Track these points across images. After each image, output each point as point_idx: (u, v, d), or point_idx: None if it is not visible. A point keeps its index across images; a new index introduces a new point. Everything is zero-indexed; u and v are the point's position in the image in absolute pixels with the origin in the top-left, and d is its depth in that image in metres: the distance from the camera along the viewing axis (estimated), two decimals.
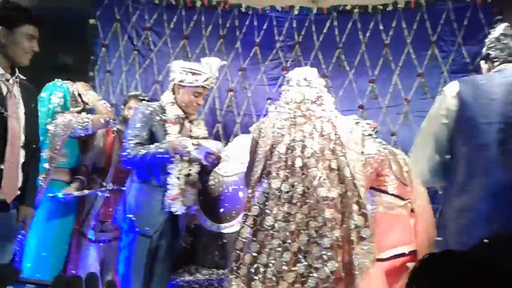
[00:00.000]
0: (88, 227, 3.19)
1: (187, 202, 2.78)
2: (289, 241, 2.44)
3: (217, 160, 2.83)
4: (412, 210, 3.22)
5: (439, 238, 2.98)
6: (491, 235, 0.78)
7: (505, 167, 1.85)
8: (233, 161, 3.66)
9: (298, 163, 2.50)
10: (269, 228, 2.48)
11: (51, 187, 3.05)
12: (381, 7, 4.34)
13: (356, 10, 4.37)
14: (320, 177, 2.46)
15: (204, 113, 4.36)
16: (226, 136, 4.35)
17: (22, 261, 2.98)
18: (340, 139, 2.57)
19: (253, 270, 2.47)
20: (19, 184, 2.23)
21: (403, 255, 3.05)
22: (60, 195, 3.00)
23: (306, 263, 2.40)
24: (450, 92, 2.00)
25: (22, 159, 2.22)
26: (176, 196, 2.69)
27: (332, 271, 2.36)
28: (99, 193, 3.12)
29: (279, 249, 2.44)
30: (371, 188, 3.17)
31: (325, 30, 4.41)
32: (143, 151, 2.66)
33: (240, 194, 3.49)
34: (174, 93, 2.84)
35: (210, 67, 2.82)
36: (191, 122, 2.91)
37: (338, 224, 2.46)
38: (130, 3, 4.56)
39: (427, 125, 2.08)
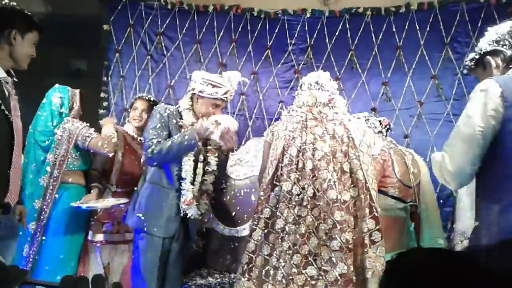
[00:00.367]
0: (89, 228, 3.22)
1: (202, 208, 2.80)
2: (299, 243, 2.43)
3: (233, 139, 2.82)
4: (414, 213, 3.19)
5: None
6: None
7: None
8: (245, 164, 3.67)
9: (309, 165, 2.49)
10: (279, 230, 2.47)
11: (66, 190, 3.09)
12: (393, 9, 4.32)
13: (368, 12, 4.35)
14: (330, 179, 2.45)
15: None
16: (238, 139, 4.32)
17: (39, 263, 3.01)
18: (354, 142, 2.55)
19: (264, 273, 2.47)
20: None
21: None
22: (84, 206, 3.02)
23: (316, 265, 2.39)
24: (494, 92, 1.81)
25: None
26: (191, 201, 2.71)
27: (341, 274, 2.34)
28: (122, 206, 3.10)
29: (289, 251, 2.43)
30: None
31: (337, 33, 4.39)
32: (168, 143, 2.67)
33: (252, 197, 3.48)
34: (191, 101, 2.86)
35: (230, 81, 2.83)
36: None
37: (350, 227, 2.44)
38: (143, 8, 4.60)
39: (467, 125, 1.85)
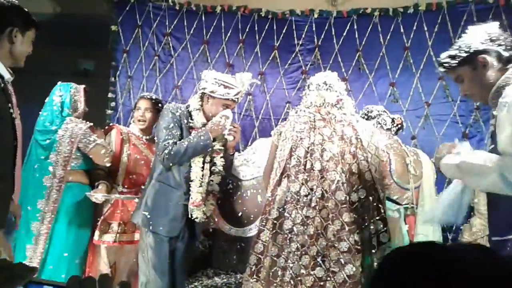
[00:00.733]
0: (95, 228, 3.22)
1: (208, 210, 2.81)
2: (308, 244, 2.42)
3: (237, 132, 2.86)
4: (409, 215, 3.16)
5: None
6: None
7: None
8: (251, 165, 3.66)
9: (317, 166, 2.49)
10: (287, 231, 2.47)
11: (67, 189, 3.09)
12: (401, 9, 4.30)
13: (376, 13, 4.33)
14: (338, 180, 2.44)
15: None
16: (244, 140, 4.35)
17: (44, 263, 3.01)
18: (362, 143, 2.54)
19: (271, 274, 2.47)
20: None
21: None
22: (99, 196, 3.04)
23: (324, 267, 2.39)
24: None
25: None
26: (199, 203, 2.72)
27: (350, 275, 2.34)
28: (137, 200, 3.06)
29: (298, 252, 2.42)
30: None
31: (345, 33, 4.38)
32: (185, 144, 2.68)
33: (259, 198, 3.48)
34: (201, 101, 2.86)
35: (242, 82, 2.82)
36: None
37: (358, 228, 2.44)
38: (151, 9, 4.62)
39: None
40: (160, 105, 3.39)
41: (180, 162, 2.72)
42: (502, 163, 1.67)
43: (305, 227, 2.44)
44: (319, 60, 4.39)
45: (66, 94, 3.21)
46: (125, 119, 4.34)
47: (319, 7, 4.47)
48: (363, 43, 4.33)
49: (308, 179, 2.49)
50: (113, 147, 3.30)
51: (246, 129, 4.42)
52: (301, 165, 2.52)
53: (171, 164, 2.72)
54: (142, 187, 2.95)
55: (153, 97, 3.47)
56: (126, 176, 3.27)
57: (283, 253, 2.46)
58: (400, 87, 4.22)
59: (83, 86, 3.31)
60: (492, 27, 1.91)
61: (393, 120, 3.34)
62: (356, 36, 4.35)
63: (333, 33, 4.39)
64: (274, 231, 2.52)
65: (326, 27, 4.41)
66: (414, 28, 4.24)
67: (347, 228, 2.39)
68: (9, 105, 2.12)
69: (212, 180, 2.84)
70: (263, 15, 4.50)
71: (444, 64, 1.94)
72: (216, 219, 3.52)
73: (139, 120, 3.38)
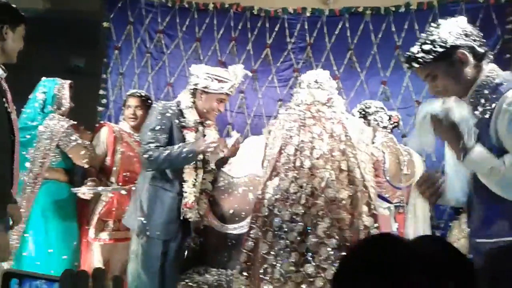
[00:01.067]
0: (90, 225, 3.20)
1: (202, 210, 2.79)
2: (297, 242, 2.44)
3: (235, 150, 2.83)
4: (399, 214, 3.19)
5: None
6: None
7: None
8: (243, 162, 3.67)
9: (307, 164, 2.51)
10: (277, 229, 2.49)
11: (43, 186, 3.02)
12: (393, 8, 4.32)
13: (368, 12, 4.35)
14: (328, 178, 2.46)
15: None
16: None
17: (30, 259, 2.97)
18: (351, 141, 2.56)
19: (262, 271, 2.49)
20: None
21: None
22: (85, 190, 3.01)
23: (314, 263, 2.40)
24: None
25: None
26: (192, 204, 2.68)
27: None
28: (124, 192, 3.07)
29: (287, 249, 2.44)
30: None
31: (336, 32, 4.39)
32: (166, 153, 2.59)
33: (250, 195, 3.48)
34: (193, 97, 2.78)
35: (236, 74, 2.78)
36: (204, 126, 2.87)
37: (348, 225, 2.46)
38: (143, 6, 4.60)
39: None
40: (150, 101, 3.38)
41: (160, 168, 2.66)
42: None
43: (294, 224, 2.46)
44: (311, 58, 4.40)
45: (49, 90, 3.14)
46: (116, 116, 4.32)
47: (312, 6, 4.48)
48: (355, 41, 4.35)
49: (297, 176, 2.51)
50: (105, 145, 3.29)
51: (238, 127, 4.42)
52: (291, 162, 2.54)
53: (150, 169, 2.66)
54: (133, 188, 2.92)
55: (142, 94, 3.45)
56: (120, 174, 3.26)
57: (273, 250, 2.48)
58: (391, 85, 4.24)
59: (69, 81, 3.23)
60: (463, 22, 1.82)
61: (390, 118, 3.36)
62: (348, 34, 4.36)
63: (325, 31, 4.40)
64: (264, 228, 2.54)
65: (318, 26, 4.42)
66: (406, 27, 4.26)
67: (336, 225, 2.41)
68: (4, 99, 2.11)
69: (205, 179, 2.83)
70: (255, 13, 4.50)
71: (419, 60, 1.77)
72: (207, 217, 3.53)
73: (130, 118, 3.37)
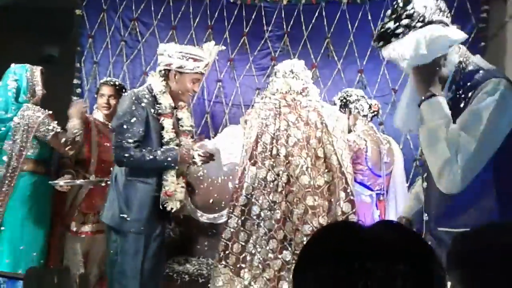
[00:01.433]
0: (71, 218, 3.14)
1: (180, 197, 2.70)
2: (275, 229, 2.46)
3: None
4: (380, 201, 3.25)
5: None
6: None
7: None
8: (222, 151, 3.66)
9: (283, 152, 2.53)
10: (255, 217, 2.52)
11: (20, 178, 2.95)
12: None
13: (344, 0, 4.36)
14: (303, 165, 2.49)
15: (193, 104, 4.34)
16: (214, 126, 4.35)
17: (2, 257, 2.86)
18: (327, 128, 2.59)
19: (241, 259, 2.51)
20: None
21: None
22: (62, 183, 2.92)
23: (291, 250, 2.43)
24: None
25: None
26: (172, 192, 2.60)
27: None
28: (103, 184, 2.98)
29: (265, 237, 2.47)
30: None
31: (313, 20, 4.39)
32: (150, 157, 2.50)
33: (230, 184, 3.48)
34: (166, 79, 2.65)
35: (210, 52, 2.68)
36: (176, 108, 2.76)
37: (324, 211, 2.49)
38: None
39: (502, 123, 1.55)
40: (124, 90, 3.32)
41: (136, 167, 2.56)
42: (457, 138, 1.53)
43: (272, 212, 2.48)
44: (288, 46, 4.39)
45: (21, 78, 3.03)
46: (91, 106, 4.24)
47: None
48: (332, 30, 4.35)
49: (274, 164, 2.53)
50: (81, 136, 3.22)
51: (216, 116, 4.40)
52: (267, 151, 2.55)
53: (122, 166, 2.56)
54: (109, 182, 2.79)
55: (117, 83, 3.39)
56: (98, 165, 3.20)
57: (252, 238, 2.50)
58: (368, 74, 4.27)
59: (40, 67, 3.14)
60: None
61: (370, 106, 3.39)
62: (325, 23, 4.37)
63: (302, 20, 4.39)
64: (242, 217, 2.56)
65: (295, 14, 4.41)
66: (381, 15, 4.28)
67: (310, 212, 2.44)
68: None
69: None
70: (231, 1, 4.46)
71: (398, 35, 1.62)
72: (187, 205, 3.52)
73: (103, 107, 3.30)
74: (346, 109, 3.29)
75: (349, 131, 3.26)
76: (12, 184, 2.91)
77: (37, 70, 3.12)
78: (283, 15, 4.42)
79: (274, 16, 4.42)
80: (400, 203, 3.22)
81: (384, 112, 4.19)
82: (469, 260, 1.00)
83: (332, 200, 2.55)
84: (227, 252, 2.57)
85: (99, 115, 3.36)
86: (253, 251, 2.50)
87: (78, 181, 3.03)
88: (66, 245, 3.15)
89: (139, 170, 2.59)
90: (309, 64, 4.17)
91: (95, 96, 3.54)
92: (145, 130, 2.57)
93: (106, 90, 3.30)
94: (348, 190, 2.55)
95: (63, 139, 2.99)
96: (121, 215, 2.56)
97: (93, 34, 4.48)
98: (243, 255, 2.53)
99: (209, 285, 2.74)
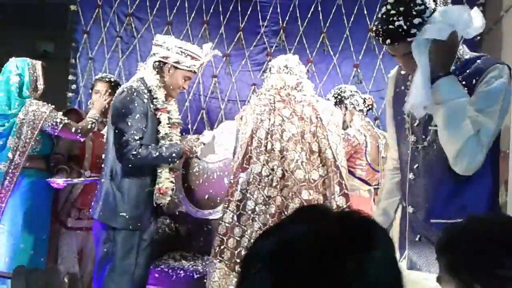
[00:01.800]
0: (66, 214, 3.14)
1: (171, 192, 2.66)
2: (269, 223, 2.47)
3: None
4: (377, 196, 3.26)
5: None
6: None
7: None
8: (217, 147, 3.65)
9: (277, 146, 2.54)
10: (250, 212, 2.52)
11: (26, 176, 2.93)
12: None
13: None
14: (297, 159, 2.50)
15: (188, 99, 4.33)
16: (210, 122, 4.34)
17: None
18: (322, 122, 2.60)
19: (236, 254, 2.51)
20: None
21: None
22: (59, 181, 2.91)
23: None
24: None
25: None
26: (166, 189, 2.59)
27: None
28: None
29: (260, 232, 2.46)
30: None
31: (309, 15, 4.37)
32: (156, 154, 2.48)
33: (225, 180, 3.49)
34: (160, 72, 2.61)
35: (207, 54, 2.68)
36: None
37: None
38: None
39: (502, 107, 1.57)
40: (119, 86, 3.30)
41: (142, 166, 2.54)
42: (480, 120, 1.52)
43: (267, 206, 2.49)
44: (284, 42, 4.38)
45: (23, 72, 2.99)
46: (87, 102, 4.24)
47: None
48: (327, 25, 4.34)
49: (269, 159, 2.54)
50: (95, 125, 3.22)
51: (212, 112, 4.40)
52: (262, 146, 2.56)
53: (129, 165, 2.50)
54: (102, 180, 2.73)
55: (111, 79, 3.37)
56: (93, 161, 3.19)
57: (247, 233, 2.51)
58: (364, 68, 4.27)
59: (40, 62, 3.12)
60: None
61: (364, 101, 3.40)
62: (321, 18, 4.35)
63: (298, 14, 4.38)
64: (238, 212, 2.56)
65: (291, 9, 4.39)
66: (377, 10, 4.27)
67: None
68: None
69: None
70: None
71: (412, 35, 1.54)
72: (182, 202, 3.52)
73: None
74: (342, 105, 3.30)
75: (347, 126, 3.27)
76: (14, 180, 2.88)
77: (38, 64, 3.09)
78: (278, 10, 4.40)
79: (270, 11, 4.41)
80: None
81: (380, 107, 4.19)
82: (449, 248, 1.04)
83: (327, 194, 2.56)
84: (222, 247, 2.57)
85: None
86: (248, 246, 2.50)
87: (75, 180, 3.03)
88: (60, 241, 3.14)
89: (140, 167, 2.56)
90: (305, 59, 4.16)
91: (90, 92, 3.53)
92: (146, 125, 2.54)
93: (101, 86, 3.28)
94: (343, 184, 2.57)
95: (73, 128, 2.97)
96: (120, 213, 2.52)
97: (88, 30, 4.47)
98: (238, 250, 2.53)
99: (205, 280, 2.74)
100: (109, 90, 3.25)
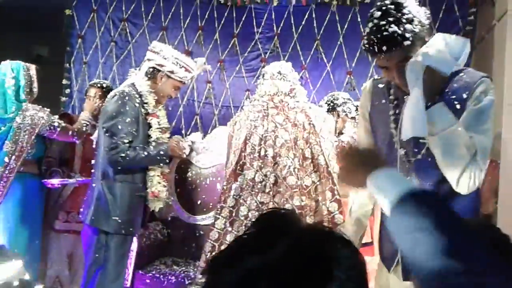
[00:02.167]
0: (54, 217, 3.13)
1: (164, 196, 2.70)
2: None
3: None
4: None
5: None
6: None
7: None
8: (211, 153, 3.66)
9: (270, 153, 2.55)
10: (243, 218, 2.53)
11: (19, 180, 2.93)
12: None
13: (334, 2, 4.38)
14: (290, 166, 2.51)
15: (182, 105, 4.34)
16: (204, 128, 4.34)
17: None
18: (315, 128, 2.61)
19: None
20: None
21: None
22: (55, 182, 2.93)
23: None
24: None
25: None
26: (158, 193, 2.61)
27: None
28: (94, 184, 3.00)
29: None
30: None
31: (303, 22, 4.41)
32: (144, 153, 2.51)
33: (218, 186, 3.49)
34: (152, 78, 2.66)
35: (199, 68, 2.76)
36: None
37: (312, 211, 2.52)
38: None
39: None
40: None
41: (129, 167, 2.55)
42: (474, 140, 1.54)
43: (260, 212, 2.49)
44: (278, 48, 4.41)
45: (18, 75, 2.98)
46: (80, 106, 4.24)
47: None
48: (321, 32, 4.37)
49: (262, 166, 2.55)
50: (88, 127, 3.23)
51: (206, 117, 4.41)
52: (256, 152, 2.57)
53: (118, 168, 2.52)
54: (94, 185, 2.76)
55: (104, 85, 3.38)
56: (83, 164, 3.20)
57: None
58: (357, 75, 4.29)
59: (34, 66, 3.12)
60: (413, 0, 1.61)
61: (356, 108, 3.41)
62: (315, 25, 4.38)
63: (292, 21, 4.41)
64: (231, 218, 2.57)
65: (285, 16, 4.42)
66: (365, 25, 4.30)
67: (297, 212, 2.45)
68: None
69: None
70: (222, 2, 4.47)
71: (407, 38, 1.53)
72: (174, 207, 3.52)
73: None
74: (334, 112, 3.31)
75: (339, 133, 3.28)
76: (8, 185, 2.86)
77: (32, 68, 3.09)
78: (273, 17, 4.43)
79: (265, 18, 4.43)
80: None
81: None
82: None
83: (319, 200, 2.57)
84: (213, 253, 2.57)
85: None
86: None
87: (71, 180, 3.04)
88: (50, 245, 3.13)
89: (129, 170, 2.58)
90: (299, 65, 4.19)
91: (85, 97, 3.53)
92: (137, 129, 2.58)
93: (93, 92, 3.30)
94: (335, 190, 2.58)
95: (70, 132, 3.01)
96: (112, 217, 2.52)
97: (83, 34, 4.48)
98: None
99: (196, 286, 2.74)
100: (101, 95, 3.26)
